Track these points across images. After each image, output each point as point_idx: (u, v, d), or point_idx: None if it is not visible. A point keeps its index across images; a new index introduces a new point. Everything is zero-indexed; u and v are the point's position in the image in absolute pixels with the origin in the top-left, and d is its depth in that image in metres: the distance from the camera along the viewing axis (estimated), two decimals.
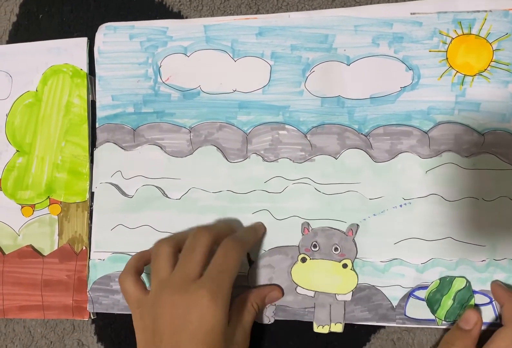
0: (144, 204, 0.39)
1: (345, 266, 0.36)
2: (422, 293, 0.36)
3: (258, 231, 0.37)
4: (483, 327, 0.35)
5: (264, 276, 0.37)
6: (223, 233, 0.34)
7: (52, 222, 0.41)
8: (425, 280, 0.36)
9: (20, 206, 0.42)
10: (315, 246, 0.36)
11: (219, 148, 0.39)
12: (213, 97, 0.39)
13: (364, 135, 0.37)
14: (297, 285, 0.37)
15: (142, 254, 0.36)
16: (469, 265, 0.35)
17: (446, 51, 0.37)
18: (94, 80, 0.41)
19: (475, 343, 0.33)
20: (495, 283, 0.35)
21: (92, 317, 0.40)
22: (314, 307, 0.36)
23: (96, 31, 0.41)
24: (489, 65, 0.36)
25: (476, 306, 0.35)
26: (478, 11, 0.36)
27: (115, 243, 0.40)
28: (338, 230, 0.36)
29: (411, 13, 0.37)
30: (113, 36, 0.41)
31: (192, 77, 0.40)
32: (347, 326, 0.37)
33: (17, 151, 0.42)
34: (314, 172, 0.38)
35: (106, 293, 0.39)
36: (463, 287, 0.35)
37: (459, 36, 0.37)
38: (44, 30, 0.43)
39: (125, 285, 0.34)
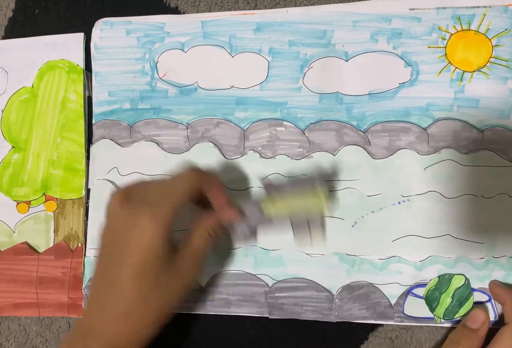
0: None
1: (313, 189, 0.34)
2: (421, 291, 0.35)
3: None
4: None
5: None
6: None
7: (48, 219, 0.41)
8: (423, 278, 0.35)
9: (16, 203, 0.41)
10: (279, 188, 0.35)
11: (216, 145, 0.39)
12: (210, 93, 0.39)
13: (362, 131, 0.37)
14: (270, 213, 0.35)
15: (143, 179, 0.34)
16: (468, 262, 0.35)
17: (445, 47, 0.36)
18: (90, 76, 0.41)
19: (482, 343, 0.32)
20: (493, 283, 0.34)
21: None
22: (292, 228, 0.35)
23: (92, 26, 0.41)
24: (488, 61, 0.36)
25: (475, 304, 0.35)
26: (478, 7, 0.36)
27: None
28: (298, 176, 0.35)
29: (410, 9, 0.37)
30: (110, 32, 0.41)
31: (189, 73, 0.39)
32: (345, 324, 0.37)
33: (13, 147, 0.42)
34: (312, 169, 0.37)
35: None
36: (462, 285, 0.35)
37: (458, 32, 0.36)
38: (40, 25, 0.43)
39: (111, 200, 0.32)
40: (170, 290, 0.30)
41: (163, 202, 0.30)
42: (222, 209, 0.33)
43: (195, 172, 0.32)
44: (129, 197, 0.31)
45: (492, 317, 0.34)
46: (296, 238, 0.35)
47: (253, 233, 0.36)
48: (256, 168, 0.38)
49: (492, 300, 0.35)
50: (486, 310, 0.34)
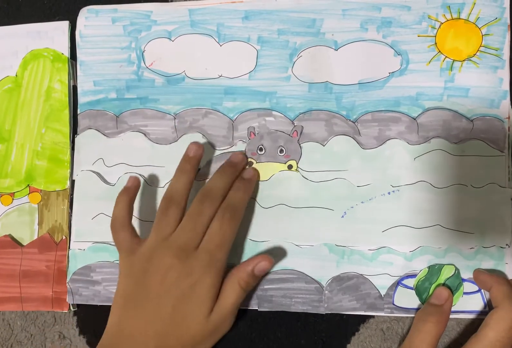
0: None
1: (290, 167, 0.36)
2: (411, 282, 0.35)
3: (251, 186, 0.36)
4: (472, 316, 0.35)
5: None
6: (223, 198, 0.35)
7: (32, 211, 0.40)
8: (413, 268, 0.35)
9: None
10: (261, 149, 0.36)
11: (204, 135, 0.38)
12: (198, 82, 0.38)
13: (352, 121, 0.37)
14: None
15: (130, 203, 0.36)
16: (458, 252, 0.35)
17: (435, 36, 0.36)
18: (75, 65, 0.40)
19: (447, 319, 0.32)
20: (477, 270, 0.34)
21: (72, 309, 0.39)
22: None
23: (77, 14, 0.40)
24: (478, 50, 0.36)
25: (465, 294, 0.34)
26: None
27: (96, 233, 0.38)
28: (283, 132, 0.37)
29: None
30: (95, 20, 0.40)
31: (176, 62, 0.39)
32: (335, 316, 0.36)
33: None
34: (301, 159, 0.37)
35: (87, 284, 0.38)
36: (452, 275, 0.35)
37: (448, 20, 0.36)
38: (25, 13, 0.42)
39: (119, 236, 0.35)
40: (207, 343, 0.33)
41: (217, 252, 0.33)
42: (255, 259, 0.34)
43: (235, 217, 0.34)
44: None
45: (482, 307, 0.34)
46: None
47: None
48: None
49: (482, 290, 0.34)
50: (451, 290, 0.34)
